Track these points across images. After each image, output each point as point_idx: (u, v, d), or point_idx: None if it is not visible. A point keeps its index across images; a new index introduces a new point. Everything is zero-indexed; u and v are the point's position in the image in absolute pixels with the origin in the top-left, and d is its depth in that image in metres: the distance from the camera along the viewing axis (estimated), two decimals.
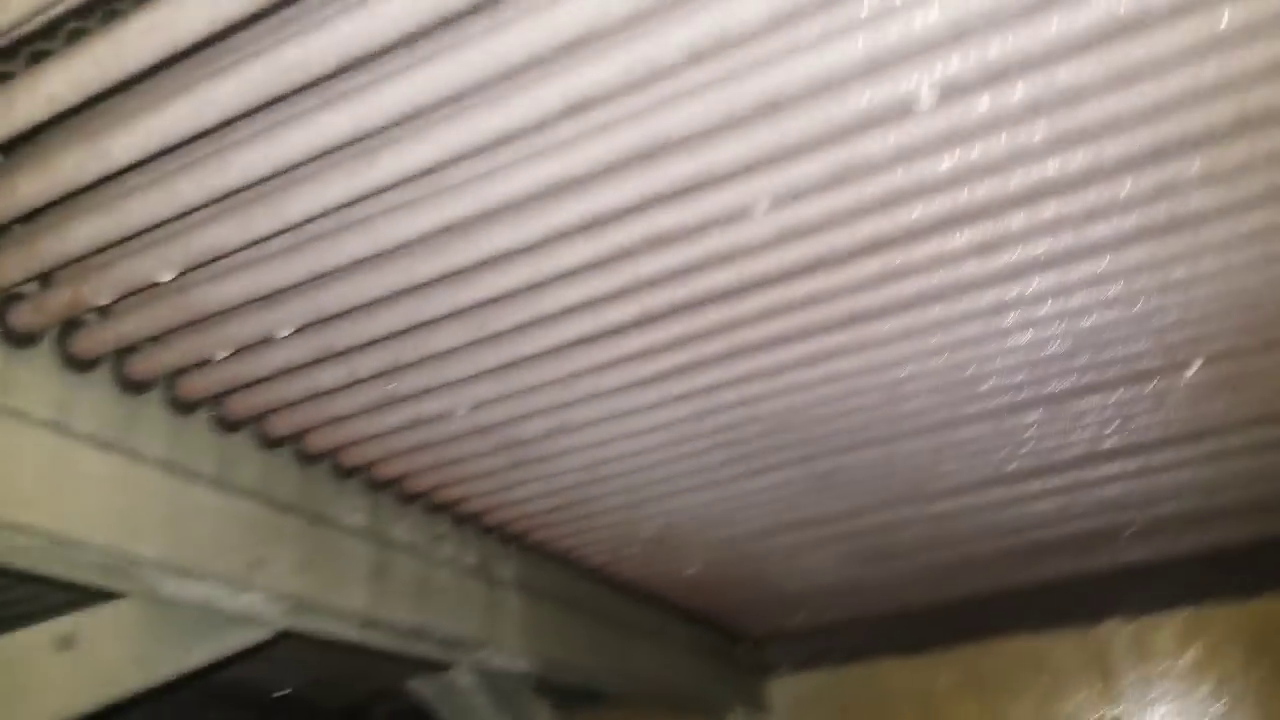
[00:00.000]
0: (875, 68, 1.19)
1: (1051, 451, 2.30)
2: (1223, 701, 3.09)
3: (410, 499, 2.19)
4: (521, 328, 1.59)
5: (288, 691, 3.75)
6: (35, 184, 1.21)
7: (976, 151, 1.33)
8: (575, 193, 1.31)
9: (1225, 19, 1.17)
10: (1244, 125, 1.32)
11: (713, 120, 1.21)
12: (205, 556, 1.70)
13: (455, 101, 1.19)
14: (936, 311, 1.68)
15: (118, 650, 1.66)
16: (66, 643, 1.58)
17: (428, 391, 1.77)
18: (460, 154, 1.24)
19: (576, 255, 1.42)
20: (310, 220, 1.34)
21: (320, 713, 4.28)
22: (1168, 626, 3.23)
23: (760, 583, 3.10)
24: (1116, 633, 3.28)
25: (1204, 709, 3.11)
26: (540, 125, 1.22)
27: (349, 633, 2.05)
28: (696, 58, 1.16)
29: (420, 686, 2.70)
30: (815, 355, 1.77)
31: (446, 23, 1.11)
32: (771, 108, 1.23)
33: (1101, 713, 3.25)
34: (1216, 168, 1.39)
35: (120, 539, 1.55)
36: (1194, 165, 1.39)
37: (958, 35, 1.17)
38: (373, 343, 1.61)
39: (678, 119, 1.21)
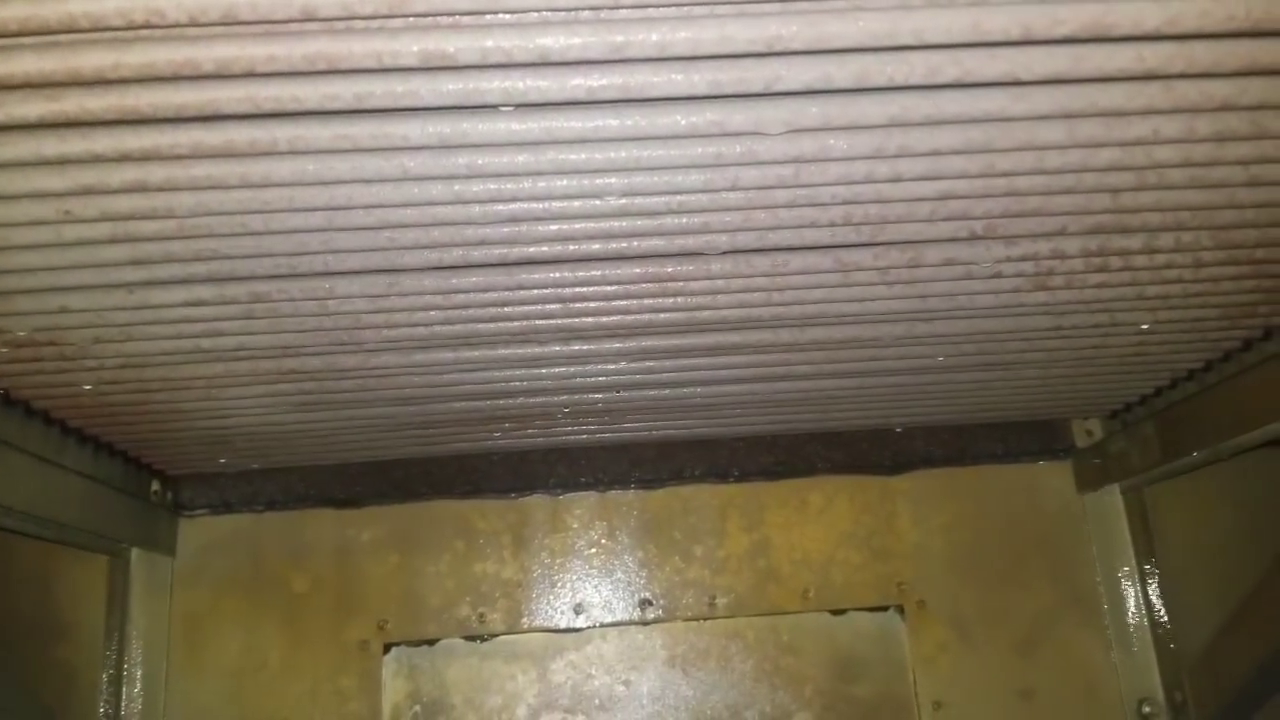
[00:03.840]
0: None
1: (494, 320, 2.30)
2: (610, 576, 3.47)
3: None
4: None
5: None
6: None
7: None
8: None
9: None
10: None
11: None
12: None
13: None
14: (378, 129, 1.53)
15: None
16: None
17: None
18: None
19: None
20: None
21: None
22: (580, 505, 3.54)
23: (176, 415, 2.79)
24: (536, 506, 3.53)
25: (594, 581, 3.47)
26: None
27: None
28: None
29: None
30: (233, 148, 1.52)
31: None
32: None
33: (509, 576, 3.47)
34: (670, 45, 1.40)
35: None
36: (652, 36, 1.39)
37: None
38: None
39: None
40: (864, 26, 1.34)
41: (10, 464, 2.67)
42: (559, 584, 3.47)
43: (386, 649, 3.40)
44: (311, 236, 1.85)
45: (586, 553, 3.50)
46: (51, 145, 1.49)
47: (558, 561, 3.50)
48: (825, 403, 3.14)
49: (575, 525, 3.52)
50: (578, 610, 3.44)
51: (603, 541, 3.51)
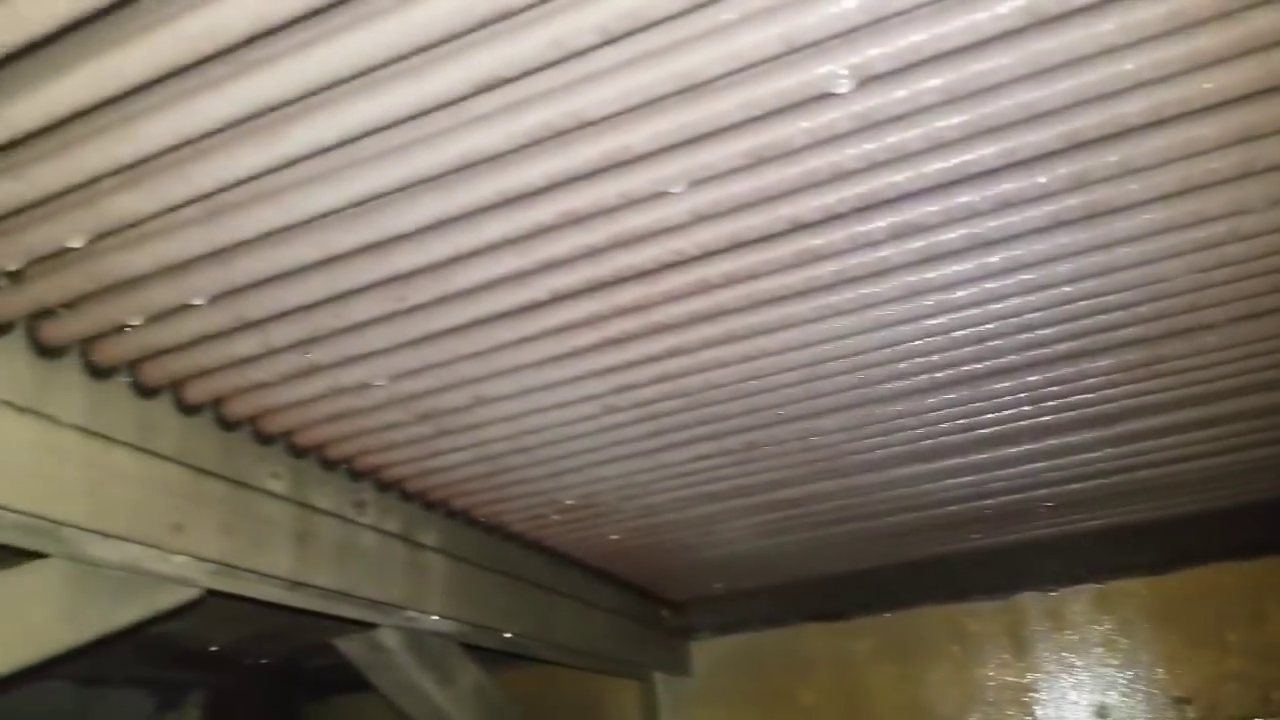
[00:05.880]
0: (792, 52, 1.20)
1: (966, 430, 2.37)
2: (1132, 673, 3.22)
3: (331, 465, 2.19)
4: (440, 301, 1.59)
5: (220, 647, 3.76)
6: None
7: (893, 139, 1.34)
8: (491, 169, 1.31)
9: (1143, 14, 1.20)
10: (1159, 119, 1.35)
11: (629, 100, 1.22)
12: (127, 520, 1.68)
13: (368, 74, 1.18)
14: (854, 293, 1.71)
15: (46, 609, 1.65)
16: None
17: (346, 361, 1.76)
18: (373, 127, 1.23)
19: (493, 231, 1.42)
20: (222, 190, 1.32)
21: (252, 667, 4.32)
22: (1080, 599, 3.36)
23: (682, 550, 3.16)
24: (1031, 604, 3.41)
25: (1113, 680, 3.24)
26: (454, 101, 1.21)
27: (275, 594, 2.06)
28: (610, 38, 1.16)
29: (347, 645, 2.72)
30: (733, 334, 1.80)
31: None
32: (688, 89, 1.23)
33: (1015, 680, 3.36)
34: (1132, 160, 1.43)
35: (41, 502, 1.53)
36: (1110, 157, 1.43)
37: (875, 22, 1.19)
38: (289, 313, 1.60)
39: (593, 98, 1.22)
40: None
41: (557, 607, 3.20)
42: (1073, 686, 3.28)
43: None
44: (795, 389, 2.07)
45: (1096, 650, 3.29)
46: (599, 360, 1.86)
47: (1067, 661, 3.32)
48: None
49: (1079, 620, 3.33)
50: (1101, 713, 3.21)
51: (1114, 637, 3.27)
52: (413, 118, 1.24)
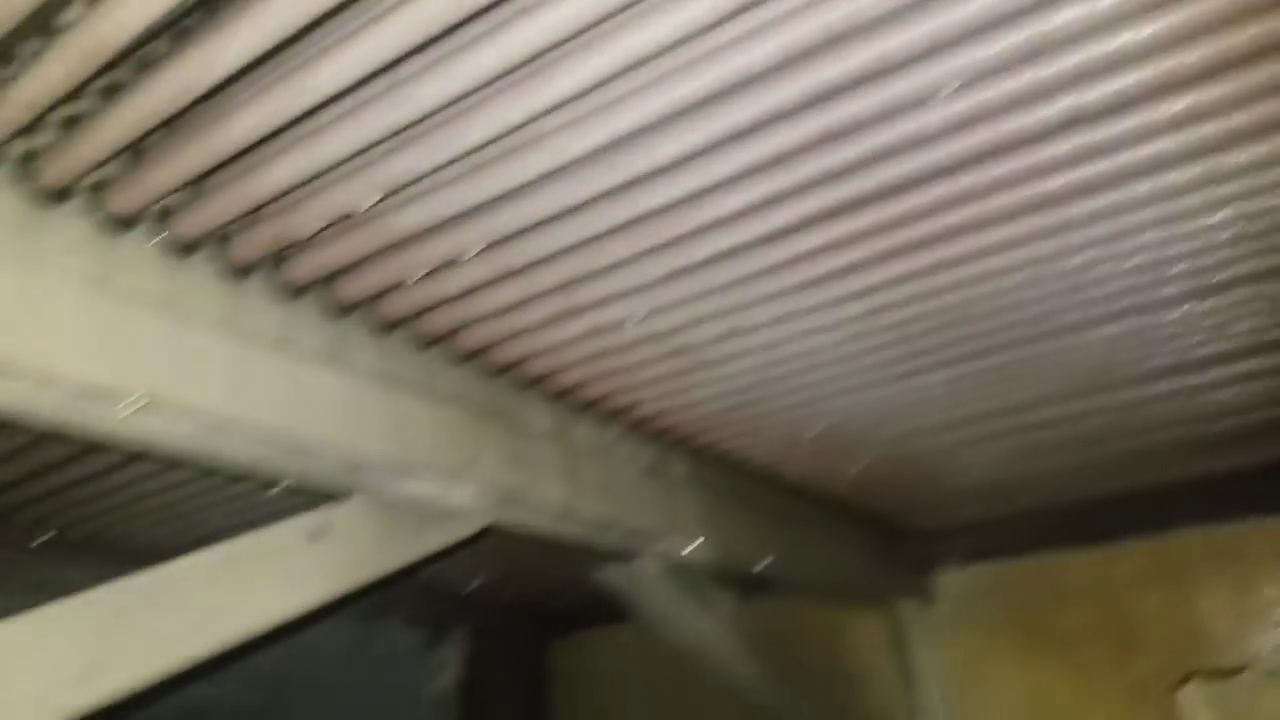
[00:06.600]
0: None
1: (1247, 335, 2.15)
2: None
3: (587, 406, 2.28)
4: (692, 234, 1.61)
5: (475, 586, 4.07)
6: (248, 121, 1.29)
7: (1178, 18, 1.23)
8: (747, 92, 1.29)
9: None
10: None
11: (888, 4, 1.17)
12: (423, 457, 1.83)
13: (623, 11, 1.19)
14: (1128, 193, 1.58)
15: (357, 543, 1.83)
16: (317, 535, 1.75)
17: (602, 302, 1.82)
18: (629, 65, 1.25)
19: (746, 157, 1.41)
20: (488, 143, 1.38)
21: (507, 606, 4.64)
22: None
23: (928, 479, 3.07)
24: None
25: None
26: (711, 25, 1.21)
27: (547, 525, 2.19)
28: None
29: (609, 575, 2.85)
30: (998, 245, 1.70)
31: None
32: None
33: None
34: None
35: (350, 443, 1.69)
36: None
37: None
38: (549, 258, 1.67)
39: (853, 7, 1.18)
40: None
41: (801, 537, 3.19)
42: None
43: (1180, 684, 3.20)
44: (1063, 299, 1.93)
45: None
46: (856, 281, 1.81)
47: None
48: None
49: None
50: None
51: None
52: (668, 50, 1.24)
